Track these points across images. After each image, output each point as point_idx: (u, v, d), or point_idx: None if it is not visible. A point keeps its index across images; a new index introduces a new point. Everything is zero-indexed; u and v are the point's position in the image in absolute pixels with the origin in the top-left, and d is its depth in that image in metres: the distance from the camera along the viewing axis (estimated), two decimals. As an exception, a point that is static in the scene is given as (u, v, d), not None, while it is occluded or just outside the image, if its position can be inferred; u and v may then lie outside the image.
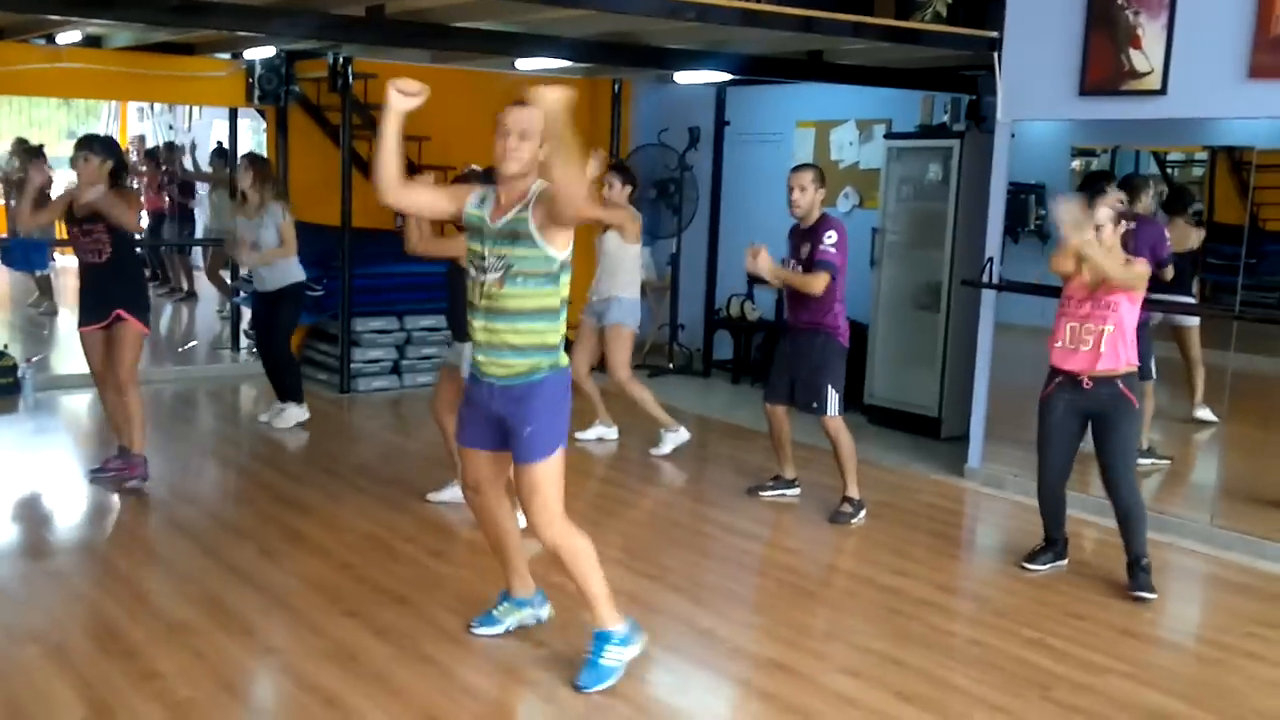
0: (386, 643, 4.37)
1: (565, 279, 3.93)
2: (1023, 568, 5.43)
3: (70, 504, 6.10)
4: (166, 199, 12.82)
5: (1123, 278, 4.95)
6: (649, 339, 10.69)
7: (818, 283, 5.89)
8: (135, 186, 10.67)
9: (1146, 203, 6.74)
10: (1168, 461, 7.00)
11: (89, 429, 7.77)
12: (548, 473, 3.98)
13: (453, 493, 6.12)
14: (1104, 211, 5.02)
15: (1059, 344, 5.18)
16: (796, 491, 6.50)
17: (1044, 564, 5.44)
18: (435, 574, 5.14)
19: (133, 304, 6.09)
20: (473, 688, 4.07)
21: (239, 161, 8.14)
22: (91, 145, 6.06)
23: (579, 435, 7.65)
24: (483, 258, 3.91)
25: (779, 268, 6.02)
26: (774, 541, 5.90)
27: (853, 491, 6.14)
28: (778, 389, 6.27)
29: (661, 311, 10.68)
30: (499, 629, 4.47)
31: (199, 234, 12.72)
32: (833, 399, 6.05)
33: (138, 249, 6.26)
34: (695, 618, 4.77)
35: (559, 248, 3.87)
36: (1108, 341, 5.04)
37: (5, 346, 8.48)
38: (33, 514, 5.96)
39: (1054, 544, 5.48)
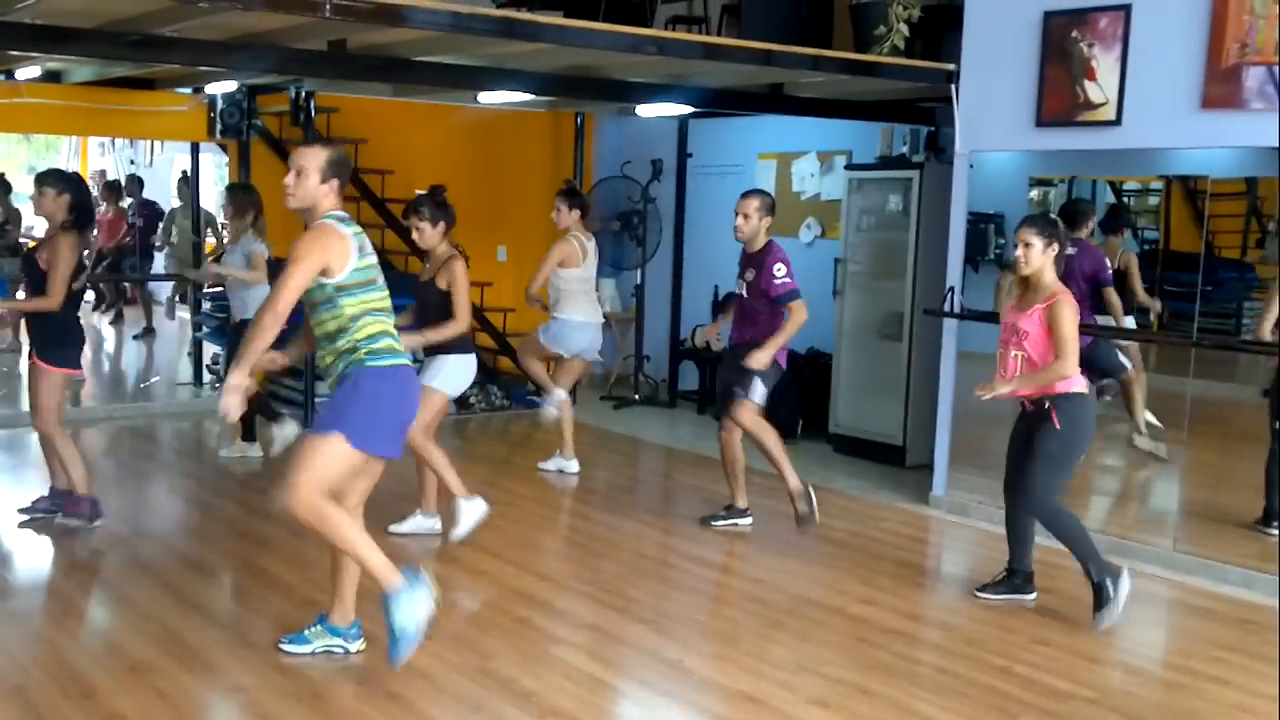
0: (353, 681, 4.33)
1: (346, 300, 4.09)
2: (974, 595, 5.44)
3: (29, 543, 6.01)
4: (126, 232, 12.72)
5: (1053, 376, 5.00)
6: (614, 371, 10.70)
7: (800, 314, 5.99)
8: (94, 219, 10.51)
9: (1089, 228, 6.86)
10: (1163, 450, 6.93)
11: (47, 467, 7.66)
12: (318, 449, 4.04)
13: (414, 524, 6.09)
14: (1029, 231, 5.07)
15: (997, 370, 5.22)
16: (749, 521, 6.48)
17: (995, 594, 5.41)
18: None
19: (48, 349, 5.88)
20: (439, 724, 4.04)
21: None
22: (48, 179, 5.96)
23: (540, 465, 7.64)
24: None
25: (766, 351, 6.01)
26: (741, 572, 5.89)
27: (795, 482, 6.17)
28: (721, 405, 6.34)
29: (626, 343, 10.70)
30: (308, 648, 4.50)
31: (157, 269, 12.63)
32: (756, 387, 6.06)
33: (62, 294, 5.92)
34: (662, 649, 4.75)
35: (329, 275, 4.07)
36: (1023, 365, 5.05)
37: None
38: (-10, 554, 5.88)
39: (1012, 575, 5.44)
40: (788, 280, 5.99)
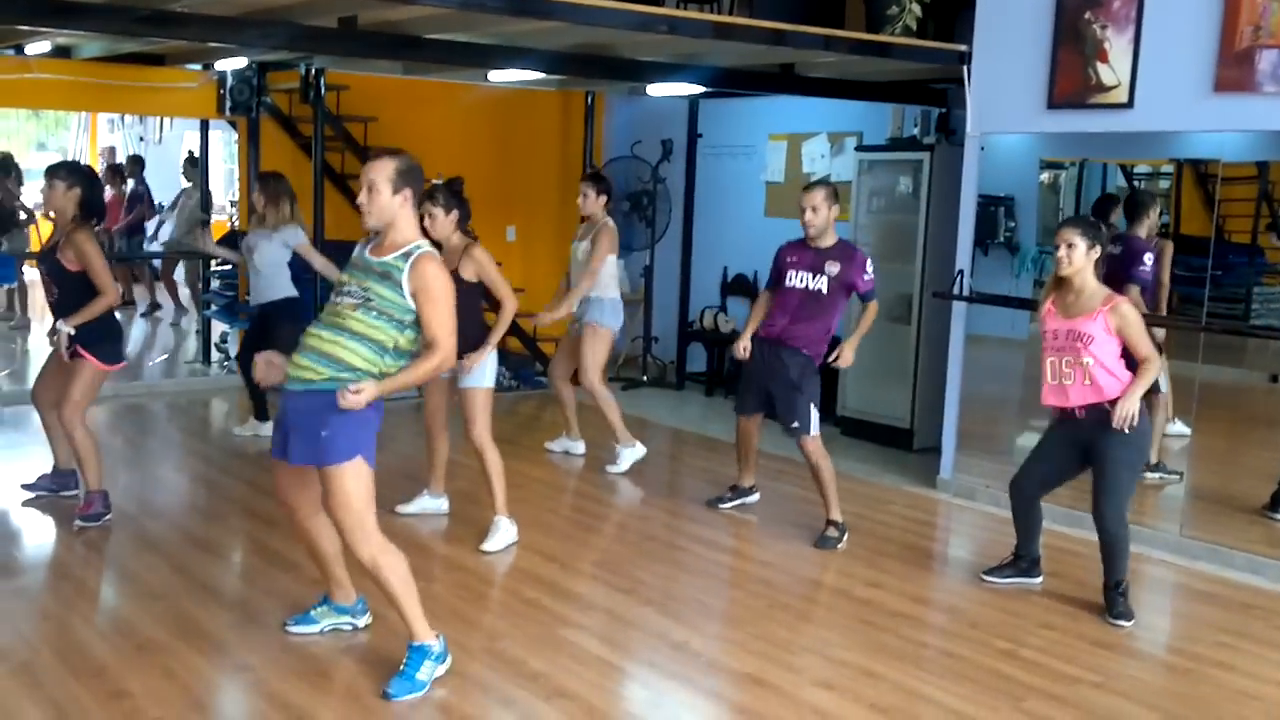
0: (358, 659, 4.35)
1: (409, 333, 4.03)
2: (980, 578, 5.43)
3: (38, 521, 6.03)
4: (137, 213, 12.76)
5: (1153, 377, 4.94)
6: (623, 352, 10.69)
7: (875, 311, 6.06)
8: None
9: (1148, 223, 6.78)
10: (1176, 477, 6.79)
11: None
12: (350, 478, 3.99)
13: (421, 504, 6.10)
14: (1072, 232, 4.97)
15: (1047, 382, 5.07)
16: (755, 498, 6.51)
17: (1003, 578, 5.40)
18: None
19: (100, 343, 5.78)
20: (446, 705, 4.05)
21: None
22: (58, 172, 5.85)
23: (547, 445, 7.64)
24: (345, 284, 4.11)
25: (851, 348, 6.01)
26: (748, 554, 5.90)
27: (835, 515, 6.04)
28: (750, 401, 6.21)
29: (635, 324, 10.68)
30: (314, 628, 4.55)
31: (149, 245, 12.67)
32: (813, 417, 5.96)
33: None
34: (669, 631, 4.77)
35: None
36: (1091, 374, 4.92)
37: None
38: None
39: (1020, 559, 5.42)
40: (873, 277, 6.00)
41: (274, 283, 7.39)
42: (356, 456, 3.99)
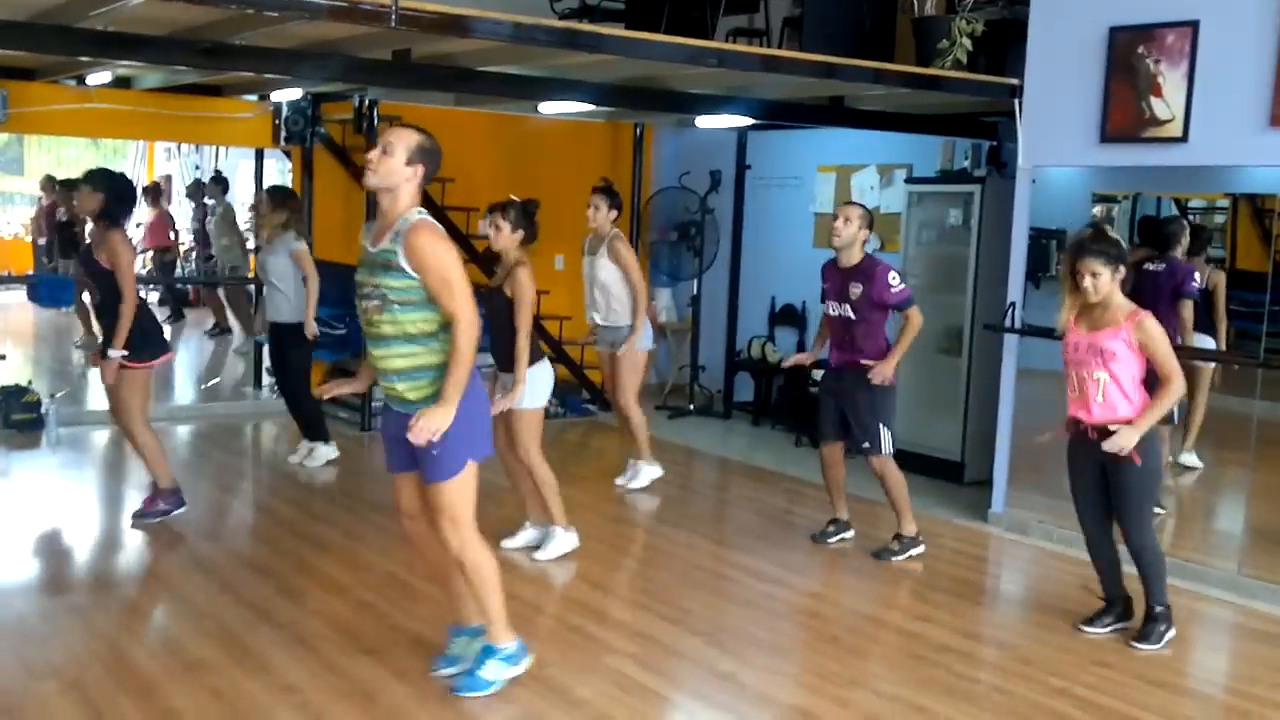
0: (405, 683, 4.35)
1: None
2: (1079, 630, 5.22)
3: (91, 540, 6.11)
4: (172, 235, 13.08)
5: (1175, 399, 4.88)
6: (669, 380, 10.70)
7: (917, 319, 5.97)
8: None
9: (1181, 247, 6.80)
10: (1162, 512, 6.85)
11: (112, 465, 7.80)
12: (456, 490, 4.00)
13: (527, 537, 6.05)
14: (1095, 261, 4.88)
15: (1069, 393, 5.06)
16: (852, 534, 6.45)
17: (1102, 627, 5.22)
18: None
19: (134, 349, 6.02)
20: (492, 730, 4.05)
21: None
22: (88, 177, 6.21)
23: (617, 481, 7.53)
24: (362, 284, 4.01)
25: (890, 363, 5.94)
26: (796, 585, 5.86)
27: (908, 529, 6.13)
28: (829, 429, 6.23)
29: (682, 353, 10.69)
30: (462, 666, 4.36)
31: (180, 269, 12.94)
32: (886, 438, 6.04)
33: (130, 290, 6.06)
34: (716, 662, 4.74)
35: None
36: (1105, 390, 4.87)
37: (30, 382, 8.53)
38: (53, 549, 5.98)
39: (1112, 604, 5.25)
40: (904, 286, 5.96)
41: (289, 299, 7.40)
42: (466, 465, 4.00)
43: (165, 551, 5.89)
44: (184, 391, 10.51)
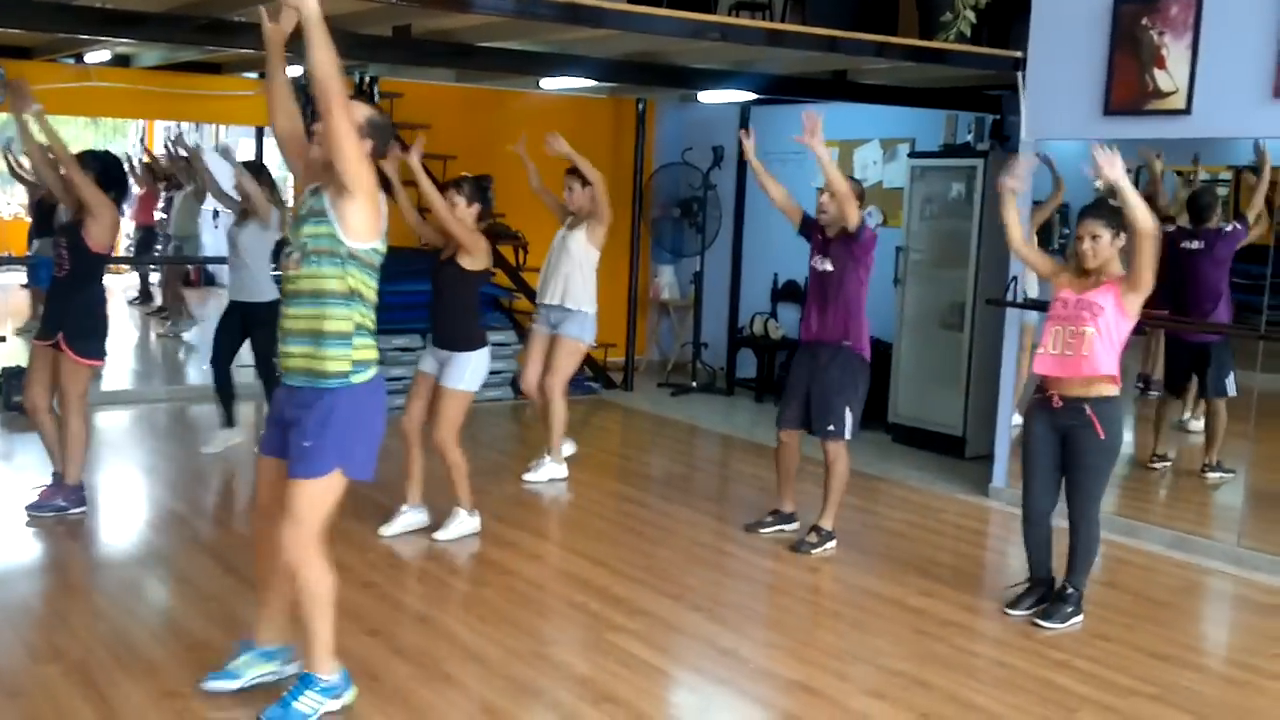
0: (407, 662, 4.36)
1: (356, 271, 3.67)
2: (1004, 613, 5.15)
3: (91, 521, 6.12)
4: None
5: (1146, 222, 4.58)
6: (672, 357, 10.71)
7: (851, 209, 5.63)
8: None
9: (1217, 217, 6.85)
10: (1232, 474, 6.89)
11: (109, 445, 7.81)
12: (314, 492, 3.69)
13: (405, 521, 5.95)
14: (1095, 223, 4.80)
15: (1042, 349, 4.92)
16: (795, 526, 6.19)
17: (1025, 609, 5.11)
18: (457, 592, 5.15)
19: (78, 338, 5.76)
20: (494, 707, 4.06)
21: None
22: (81, 159, 5.84)
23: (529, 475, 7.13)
24: (287, 246, 3.80)
25: (819, 144, 5.71)
26: (797, 561, 5.86)
27: (828, 523, 5.92)
28: (791, 414, 5.96)
29: (684, 330, 10.69)
30: (234, 684, 4.01)
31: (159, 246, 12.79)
32: (849, 422, 5.81)
33: (99, 274, 5.90)
34: (718, 637, 4.75)
35: (353, 234, 3.63)
36: (1089, 345, 4.75)
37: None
38: (54, 531, 5.99)
39: (1039, 584, 5.16)
40: (868, 225, 5.75)
41: (258, 279, 7.09)
42: (337, 468, 3.72)
43: (167, 533, 5.90)
44: (181, 372, 10.50)
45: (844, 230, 5.75)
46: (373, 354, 3.78)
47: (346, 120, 3.55)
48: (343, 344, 3.68)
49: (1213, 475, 6.85)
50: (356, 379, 3.72)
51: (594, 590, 5.23)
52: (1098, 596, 5.31)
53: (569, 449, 7.26)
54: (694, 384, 10.03)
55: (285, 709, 3.78)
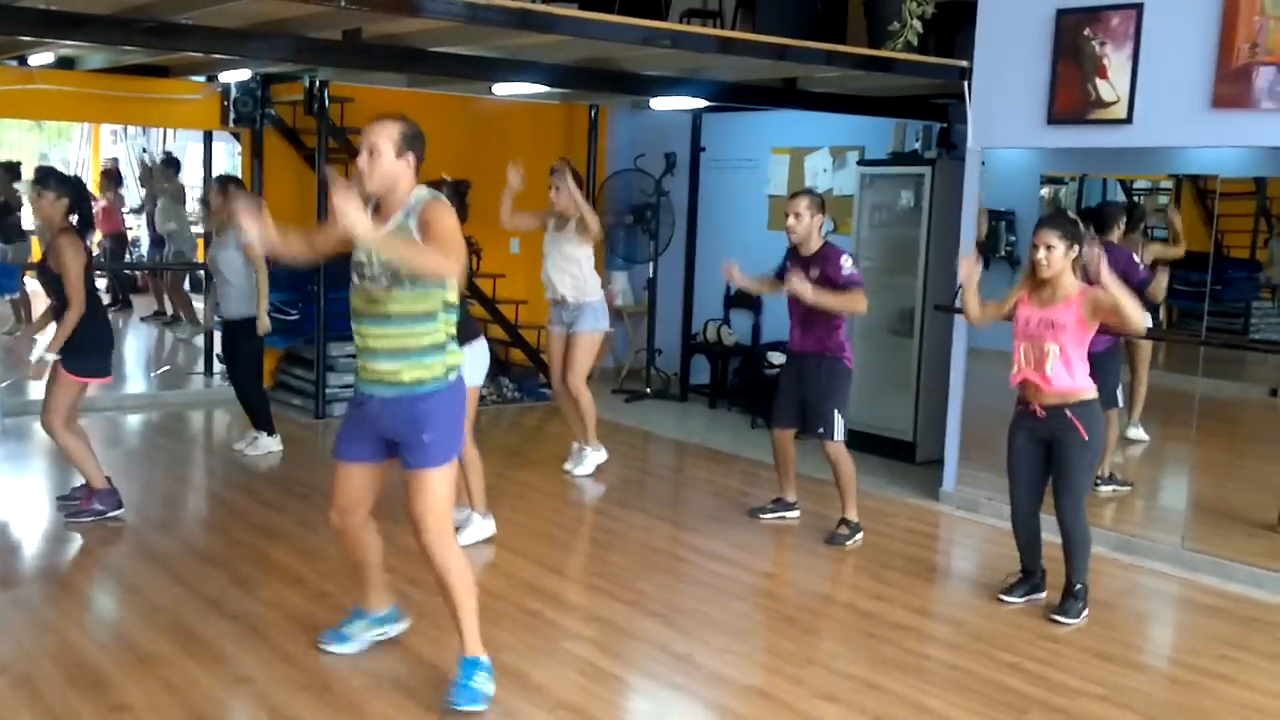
0: (361, 672, 4.34)
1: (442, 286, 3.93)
2: (999, 600, 5.39)
3: (39, 532, 6.03)
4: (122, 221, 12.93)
5: (1136, 317, 4.87)
6: (626, 363, 10.72)
7: (860, 302, 6.00)
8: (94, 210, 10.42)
9: (1119, 231, 6.81)
10: (1128, 488, 7.09)
11: (60, 456, 7.68)
12: (443, 482, 4.00)
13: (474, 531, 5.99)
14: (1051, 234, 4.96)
15: (1015, 367, 5.14)
16: (796, 514, 6.55)
17: (1020, 596, 5.38)
18: (412, 602, 5.11)
19: (72, 356, 5.82)
20: (447, 716, 4.04)
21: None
22: (46, 180, 5.88)
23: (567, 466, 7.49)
24: (363, 265, 3.94)
25: (821, 291, 5.95)
26: (751, 566, 5.90)
27: (851, 514, 6.23)
28: (785, 415, 6.34)
29: (638, 336, 10.70)
30: (346, 647, 4.45)
31: (137, 254, 12.76)
32: (839, 424, 6.14)
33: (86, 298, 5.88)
34: (672, 643, 4.76)
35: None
36: (1054, 361, 4.97)
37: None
38: (0, 542, 5.90)
39: (1030, 575, 5.43)
40: (855, 271, 6.05)
41: (240, 294, 7.26)
42: (454, 458, 4.04)
43: (115, 543, 5.83)
44: (134, 380, 10.38)
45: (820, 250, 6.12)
46: (460, 356, 4.07)
47: (459, 259, 3.83)
48: (438, 353, 3.96)
49: (1104, 489, 6.90)
50: (452, 377, 4.01)
51: (548, 597, 5.23)
52: (1046, 599, 5.39)
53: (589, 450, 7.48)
54: (648, 390, 10.04)
55: (468, 690, 4.01)
